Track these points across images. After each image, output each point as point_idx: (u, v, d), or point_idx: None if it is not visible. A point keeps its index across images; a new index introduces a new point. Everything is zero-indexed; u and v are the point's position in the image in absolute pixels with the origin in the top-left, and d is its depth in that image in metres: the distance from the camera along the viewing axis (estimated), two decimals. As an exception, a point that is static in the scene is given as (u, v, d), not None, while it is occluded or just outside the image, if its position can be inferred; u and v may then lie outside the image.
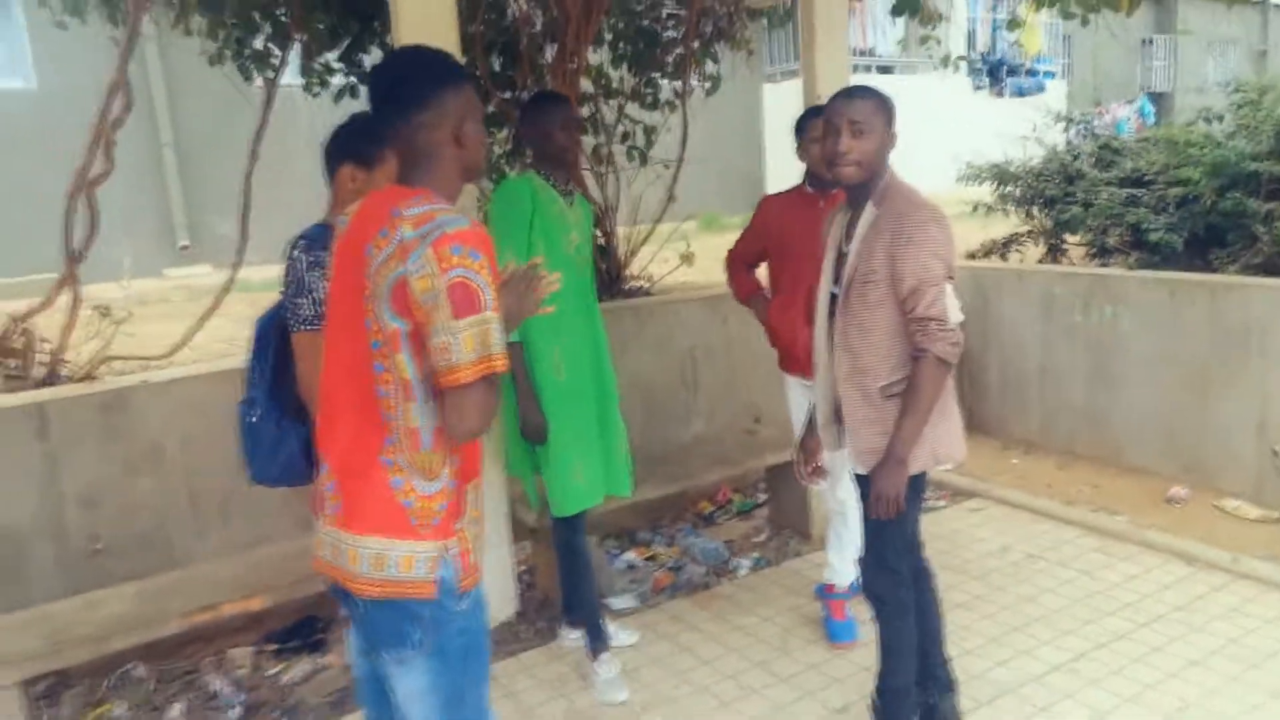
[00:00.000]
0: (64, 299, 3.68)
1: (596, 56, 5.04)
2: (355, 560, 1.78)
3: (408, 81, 1.81)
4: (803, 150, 3.18)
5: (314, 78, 4.48)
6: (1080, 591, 3.63)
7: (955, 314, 2.35)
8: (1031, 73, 18.85)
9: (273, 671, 3.44)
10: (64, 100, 9.82)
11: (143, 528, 3.53)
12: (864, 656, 3.22)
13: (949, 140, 8.91)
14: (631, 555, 4.21)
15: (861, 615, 3.47)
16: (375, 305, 1.73)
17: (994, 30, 18.51)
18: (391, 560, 1.77)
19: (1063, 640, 3.26)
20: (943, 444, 2.47)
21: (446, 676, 1.85)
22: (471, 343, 1.67)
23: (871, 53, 16.67)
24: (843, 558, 3.37)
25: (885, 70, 16.75)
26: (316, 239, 2.38)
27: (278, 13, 4.07)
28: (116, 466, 3.46)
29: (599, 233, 5.08)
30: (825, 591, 3.41)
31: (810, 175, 3.23)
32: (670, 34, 4.99)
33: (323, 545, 1.87)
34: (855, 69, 18.00)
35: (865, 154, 2.37)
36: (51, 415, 3.33)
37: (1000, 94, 18.42)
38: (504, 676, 3.22)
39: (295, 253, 2.39)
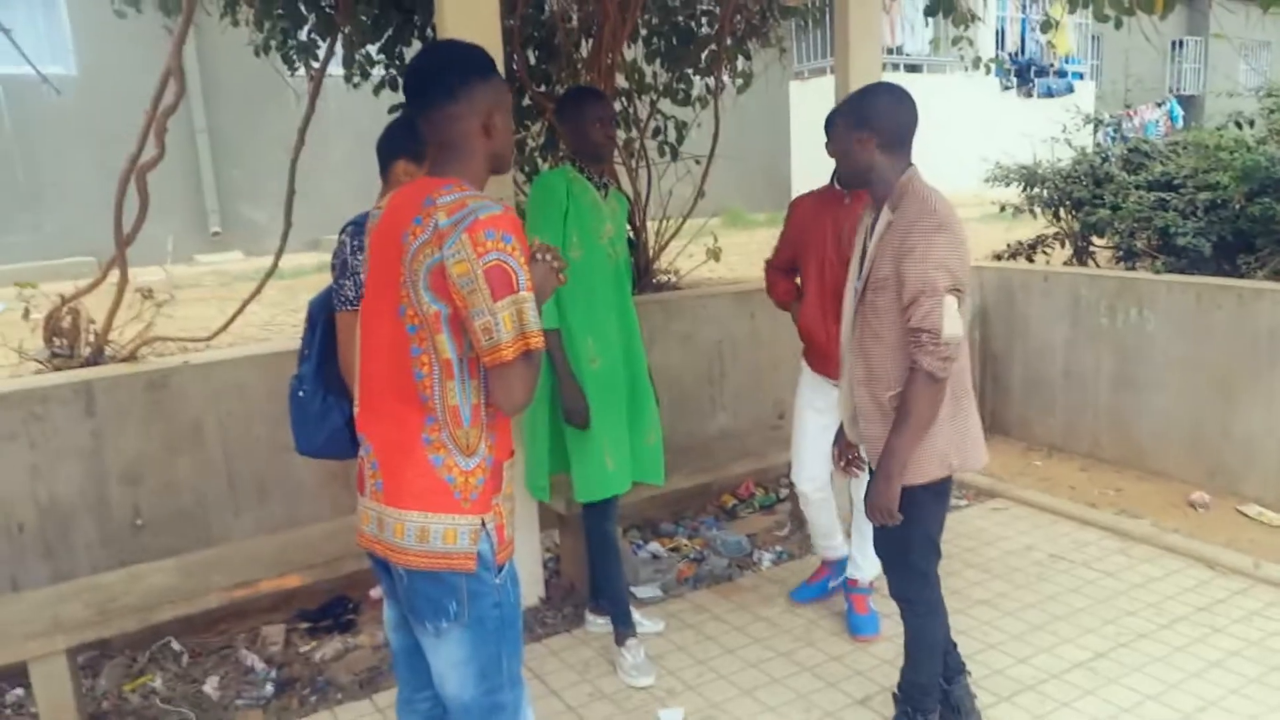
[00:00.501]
0: (110, 280, 3.78)
1: (631, 52, 5.09)
2: (400, 533, 1.86)
3: (439, 73, 1.89)
4: (829, 149, 3.20)
5: (355, 69, 4.56)
6: (1103, 592, 3.66)
7: (952, 328, 2.27)
8: (1061, 73, 18.71)
9: (305, 649, 3.53)
10: (103, 86, 9.98)
11: (182, 505, 3.62)
12: (885, 649, 3.27)
13: (977, 141, 8.91)
14: (655, 546, 4.28)
15: (884, 608, 3.53)
16: (412, 291, 1.81)
17: (1023, 30, 18.38)
18: (435, 533, 1.85)
19: (1084, 639, 3.30)
20: (956, 451, 2.43)
21: (482, 647, 1.93)
22: (510, 322, 1.75)
23: (900, 51, 16.60)
24: (865, 553, 3.41)
25: (913, 69, 16.69)
26: (364, 225, 2.46)
27: (323, 4, 4.14)
28: (158, 445, 3.55)
29: (629, 226, 5.13)
30: (848, 586, 3.45)
31: (839, 173, 3.25)
32: (704, 30, 5.03)
33: (367, 520, 1.95)
34: (884, 67, 18.02)
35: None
36: (97, 394, 3.43)
37: (1029, 95, 18.31)
38: (531, 660, 3.29)
39: (343, 237, 2.48)
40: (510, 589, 1.96)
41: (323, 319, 2.55)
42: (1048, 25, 5.18)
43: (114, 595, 2.96)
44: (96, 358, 3.73)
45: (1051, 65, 18.73)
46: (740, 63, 5.36)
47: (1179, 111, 16.19)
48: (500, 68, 3.29)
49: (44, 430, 3.35)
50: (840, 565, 3.55)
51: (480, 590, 1.89)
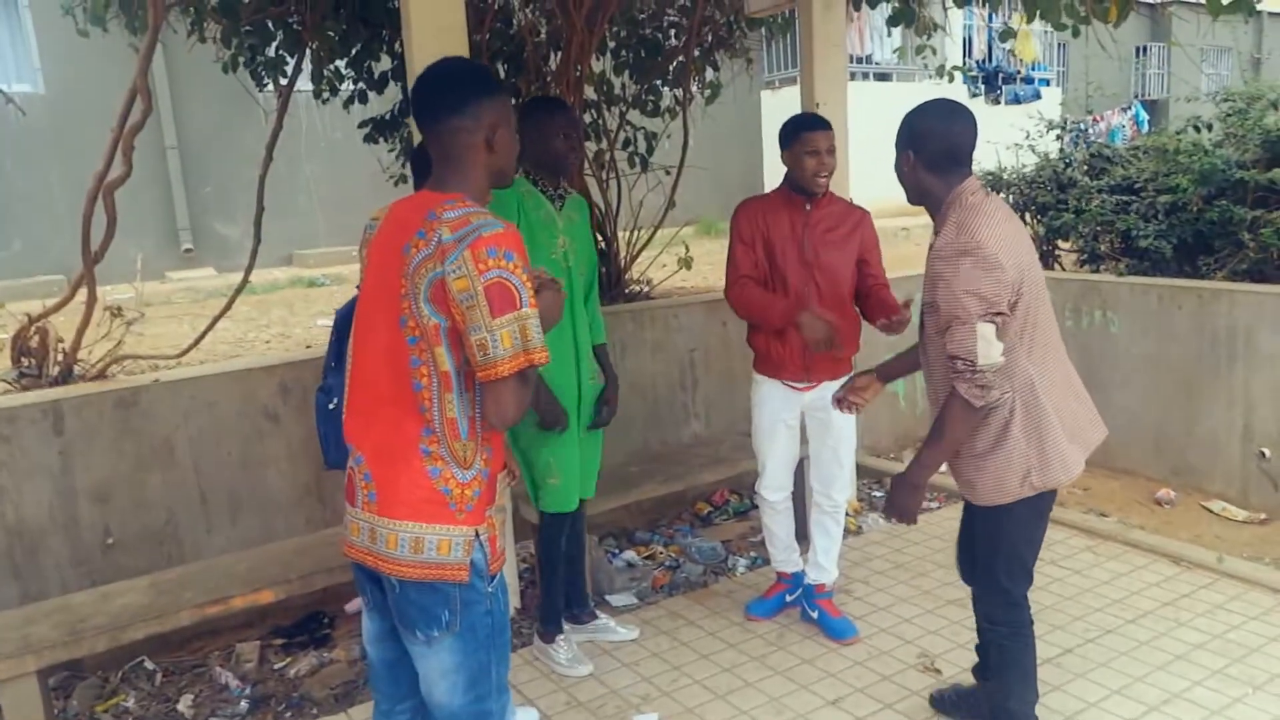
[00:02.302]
0: (79, 299, 3.76)
1: (600, 64, 5.13)
2: (394, 544, 1.89)
3: (447, 88, 1.94)
4: (793, 159, 3.18)
5: (324, 84, 4.57)
6: (1070, 589, 3.72)
7: (988, 355, 2.21)
8: (1028, 80, 18.98)
9: (279, 665, 3.51)
10: (72, 104, 9.93)
11: (154, 523, 3.61)
12: (857, 652, 3.31)
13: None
14: (631, 554, 4.30)
15: (853, 611, 3.57)
16: (414, 303, 1.84)
17: (990, 38, 18.63)
18: (429, 544, 1.87)
19: (1051, 635, 3.35)
20: (1037, 469, 2.36)
21: (473, 655, 1.95)
22: (509, 339, 1.78)
23: (869, 60, 16.78)
24: (830, 558, 3.45)
25: (883, 78, 16.88)
26: None
27: (290, 20, 4.16)
28: (129, 463, 3.54)
29: (599, 237, 5.17)
30: (815, 592, 3.48)
31: (791, 181, 3.24)
32: (672, 42, 5.09)
33: (357, 530, 1.97)
34: (853, 76, 18.14)
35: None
36: (66, 413, 3.41)
37: (997, 102, 18.55)
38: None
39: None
40: (501, 598, 2.00)
41: (349, 329, 2.54)
42: (1008, 34, 5.27)
43: (84, 615, 2.95)
44: (65, 377, 3.71)
45: (1019, 72, 18.99)
46: (709, 73, 5.41)
47: (1144, 116, 16.46)
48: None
49: (11, 451, 3.33)
50: (796, 578, 3.57)
51: (473, 599, 1.92)
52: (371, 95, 4.65)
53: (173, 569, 3.34)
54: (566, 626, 3.55)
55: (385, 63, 4.62)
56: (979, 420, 2.34)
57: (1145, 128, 15.38)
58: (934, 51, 5.33)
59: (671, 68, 5.19)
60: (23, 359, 3.68)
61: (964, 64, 17.60)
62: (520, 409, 1.85)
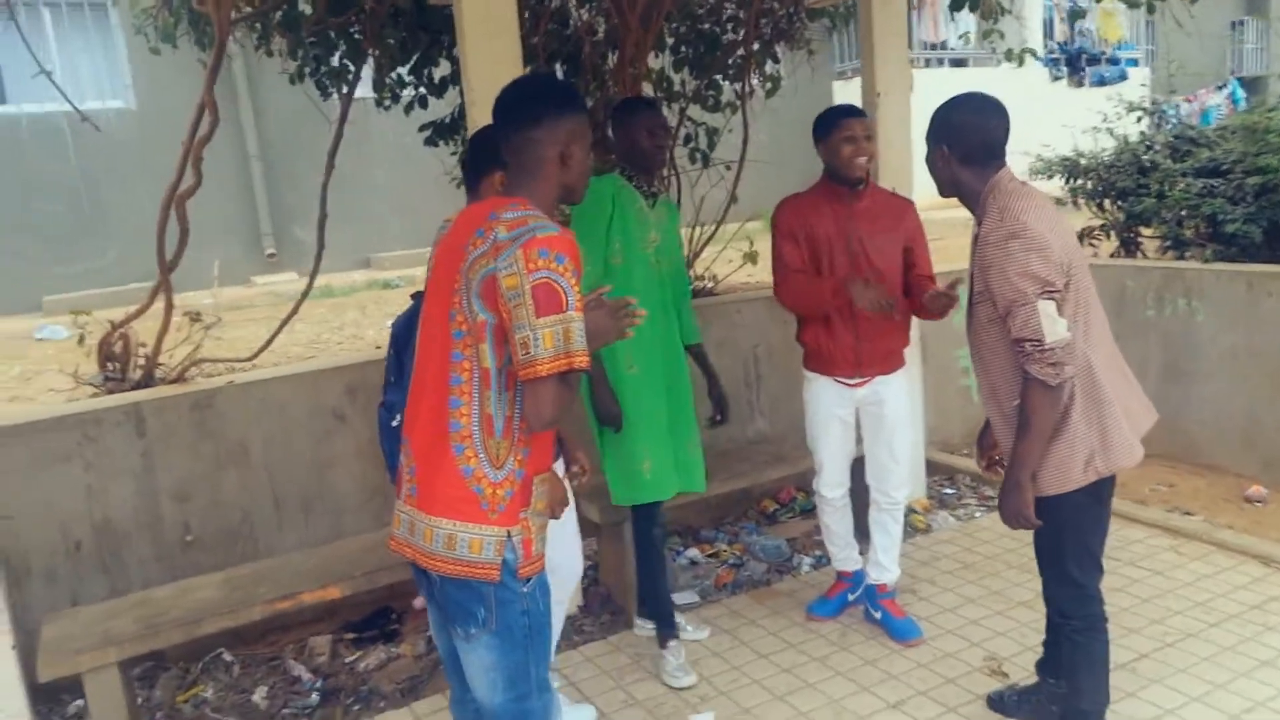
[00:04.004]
0: (160, 305, 3.92)
1: (659, 61, 5.12)
2: (430, 539, 1.93)
3: (528, 100, 2.00)
4: (829, 149, 3.13)
5: (385, 92, 4.67)
6: (1149, 591, 3.57)
7: (1054, 332, 2.22)
8: (1113, 61, 18.26)
9: (350, 659, 3.61)
10: (161, 119, 10.35)
11: (230, 522, 3.74)
12: (922, 654, 3.24)
13: (1025, 134, 8.67)
14: (694, 552, 4.29)
15: (918, 612, 3.50)
16: (465, 298, 1.88)
17: (1071, 18, 17.99)
18: (462, 541, 1.90)
19: (1127, 640, 3.22)
20: (1100, 453, 2.34)
21: (510, 654, 1.98)
22: (551, 340, 1.80)
23: (944, 46, 16.37)
24: (891, 557, 3.39)
25: (958, 64, 16.44)
26: None
27: (352, 31, 4.26)
28: (206, 463, 3.67)
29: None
30: (877, 592, 3.41)
31: (832, 173, 3.19)
32: (730, 36, 5.05)
33: (400, 522, 2.02)
34: (927, 64, 17.76)
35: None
36: (147, 415, 3.56)
37: (1080, 84, 17.90)
38: (566, 666, 3.33)
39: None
40: (539, 598, 2.01)
41: (409, 339, 2.54)
42: (1077, 14, 5.09)
43: (163, 609, 3.07)
44: (147, 380, 3.87)
45: (1103, 53, 18.30)
46: (769, 66, 5.35)
47: (1241, 94, 15.66)
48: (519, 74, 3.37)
49: (97, 451, 3.49)
50: (858, 577, 3.51)
51: (508, 599, 1.94)
52: (432, 100, 4.74)
53: (246, 565, 3.45)
54: (637, 621, 3.57)
55: (444, 68, 4.69)
56: (1061, 399, 2.30)
57: (1243, 106, 14.66)
58: (1001, 35, 5.17)
59: (731, 62, 5.15)
60: (108, 364, 3.85)
61: (1045, 45, 17.05)
62: (559, 411, 1.86)
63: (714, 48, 4.94)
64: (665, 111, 5.23)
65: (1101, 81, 17.53)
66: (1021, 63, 5.09)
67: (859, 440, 3.42)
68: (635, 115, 3.13)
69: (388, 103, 4.66)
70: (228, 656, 3.64)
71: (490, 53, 3.34)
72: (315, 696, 3.39)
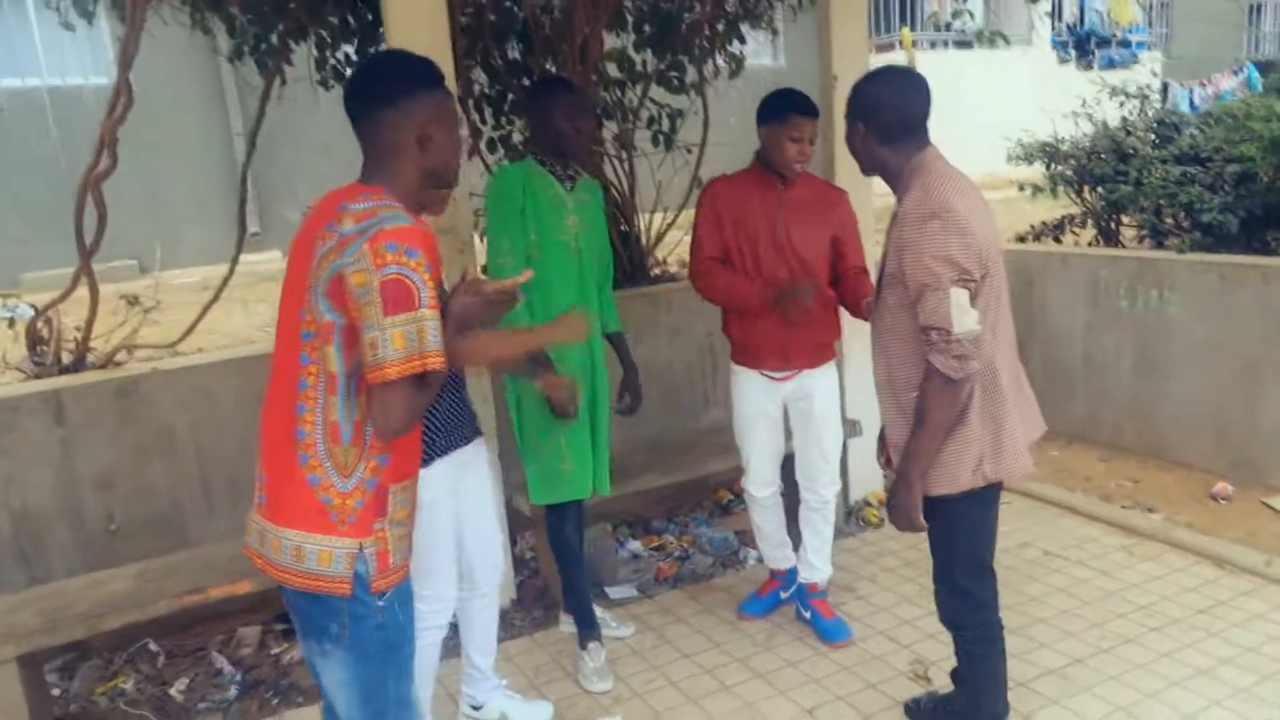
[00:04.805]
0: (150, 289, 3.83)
1: (620, 40, 4.98)
2: (278, 550, 1.83)
3: (380, 80, 1.88)
4: (772, 137, 3.00)
5: (327, 71, 4.55)
6: (1093, 593, 3.46)
7: (963, 323, 2.10)
8: (1124, 44, 17.92)
9: (276, 651, 3.54)
10: (144, 96, 10.23)
11: (156, 510, 3.67)
12: (848, 656, 3.15)
13: (1026, 118, 8.47)
14: (636, 545, 4.19)
15: (852, 611, 3.40)
16: (312, 297, 1.77)
17: (1082, 1, 17.66)
18: (310, 554, 1.80)
19: (1063, 644, 3.12)
20: (990, 457, 2.23)
21: (365, 669, 1.88)
22: (402, 340, 1.68)
23: (948, 27, 16.09)
24: (820, 554, 3.29)
25: (964, 45, 16.14)
26: None
27: (290, 5, 4.12)
28: (130, 451, 3.60)
29: (620, 219, 5.04)
30: (807, 591, 3.32)
31: (766, 160, 3.07)
32: (692, 15, 4.89)
33: (251, 530, 1.92)
34: (933, 45, 17.48)
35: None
36: (66, 401, 3.49)
37: (1089, 66, 17.57)
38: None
39: None
40: (399, 611, 1.91)
41: None
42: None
43: (68, 603, 3.00)
44: (77, 365, 3.79)
45: (1114, 36, 17.97)
46: (736, 47, 5.20)
47: (1257, 78, 15.32)
48: (450, 69, 3.25)
49: (14, 439, 3.42)
50: (790, 575, 3.41)
51: (362, 613, 1.84)
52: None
53: (162, 557, 3.38)
54: (562, 617, 3.48)
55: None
56: (961, 396, 2.17)
57: (1259, 89, 14.35)
58: (971, 15, 5.00)
59: (696, 42, 5.00)
60: (37, 347, 3.78)
61: (1054, 28, 16.74)
62: (409, 417, 1.74)
63: (671, 26, 4.79)
64: (628, 93, 5.10)
65: (1111, 64, 17.19)
66: (993, 44, 4.91)
67: (789, 437, 3.31)
68: (551, 97, 2.98)
69: (331, 84, 4.54)
70: (153, 647, 3.58)
71: (417, 33, 3.20)
72: (234, 690, 3.32)
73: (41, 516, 3.49)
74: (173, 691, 3.33)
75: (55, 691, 3.35)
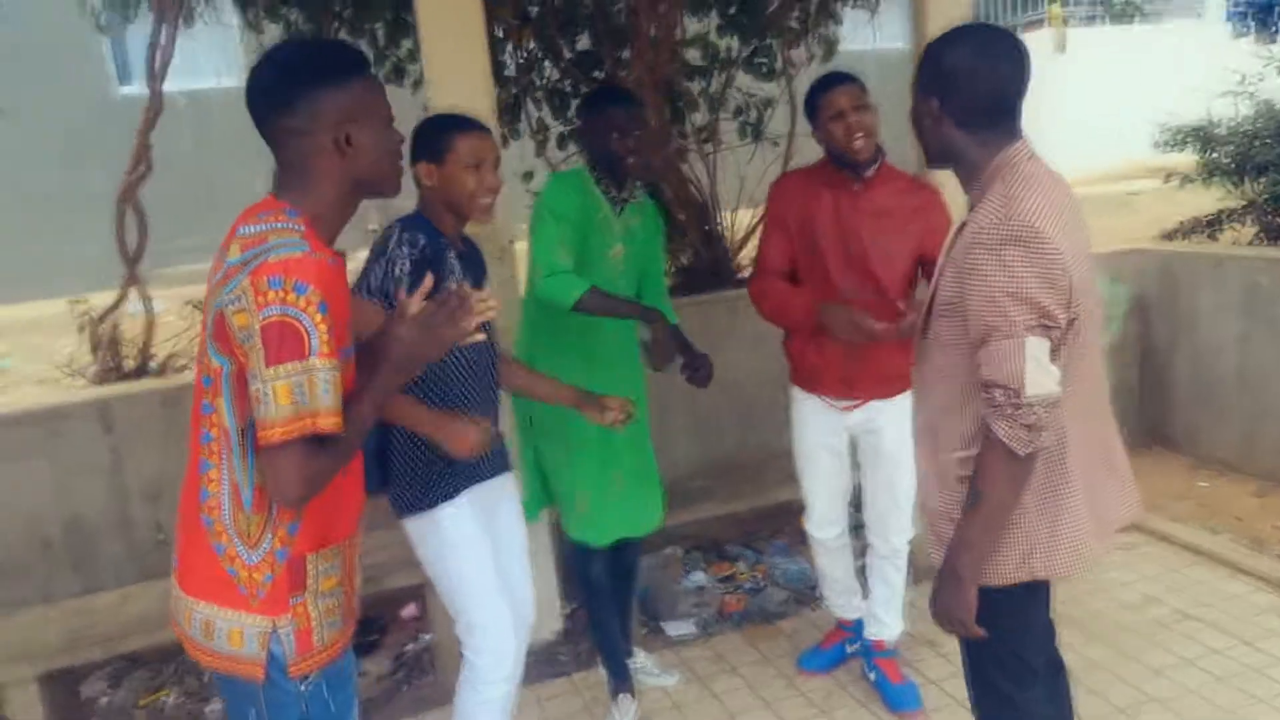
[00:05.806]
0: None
1: (703, 25, 4.64)
2: (189, 622, 1.61)
3: (272, 80, 1.56)
4: (820, 130, 2.61)
5: (384, 67, 4.39)
6: (1228, 667, 2.90)
7: (1040, 384, 1.61)
8: (1316, 12, 16.11)
9: (317, 673, 3.41)
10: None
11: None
12: (916, 728, 2.73)
13: (1185, 99, 7.55)
14: (701, 576, 3.86)
15: (928, 673, 2.97)
16: (205, 337, 1.53)
17: (1261, -36, 15.94)
18: (220, 630, 1.57)
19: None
20: (1042, 550, 1.75)
21: None
22: (287, 395, 1.40)
23: (1102, 1, 14.83)
24: (891, 610, 2.87)
25: (1121, 19, 14.84)
26: (410, 226, 2.21)
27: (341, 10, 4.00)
28: (177, 461, 3.53)
29: (705, 228, 4.71)
30: (873, 649, 2.91)
31: (832, 155, 2.65)
32: (782, -3, 4.50)
33: (170, 597, 1.70)
34: (1090, 19, 16.20)
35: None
36: (116, 410, 3.46)
37: (1273, 39, 15.86)
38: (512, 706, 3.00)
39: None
40: (330, 698, 1.64)
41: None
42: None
43: (92, 621, 2.95)
44: (139, 373, 3.79)
45: (1300, 4, 16.18)
46: (832, 29, 4.77)
47: None
48: (482, 59, 3.01)
49: (65, 447, 3.41)
50: (858, 625, 3.01)
51: (280, 700, 1.59)
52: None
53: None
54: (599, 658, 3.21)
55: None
56: (1028, 474, 1.68)
57: None
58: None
59: (786, 25, 4.60)
60: (98, 353, 3.79)
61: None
62: (306, 486, 1.45)
63: (759, 7, 4.40)
64: (712, 81, 4.74)
65: (1297, 36, 15.50)
66: (1133, 19, 4.29)
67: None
68: (600, 113, 2.66)
69: (391, 78, 4.39)
70: (200, 661, 3.52)
71: (451, 19, 2.98)
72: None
73: (92, 526, 3.49)
74: (208, 710, 3.25)
75: (103, 700, 3.33)
